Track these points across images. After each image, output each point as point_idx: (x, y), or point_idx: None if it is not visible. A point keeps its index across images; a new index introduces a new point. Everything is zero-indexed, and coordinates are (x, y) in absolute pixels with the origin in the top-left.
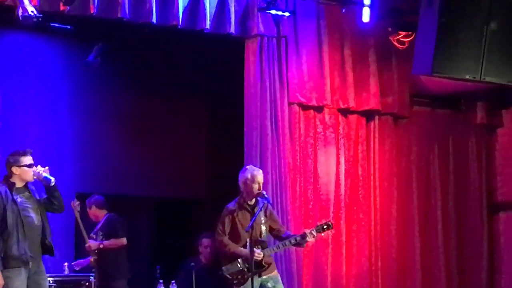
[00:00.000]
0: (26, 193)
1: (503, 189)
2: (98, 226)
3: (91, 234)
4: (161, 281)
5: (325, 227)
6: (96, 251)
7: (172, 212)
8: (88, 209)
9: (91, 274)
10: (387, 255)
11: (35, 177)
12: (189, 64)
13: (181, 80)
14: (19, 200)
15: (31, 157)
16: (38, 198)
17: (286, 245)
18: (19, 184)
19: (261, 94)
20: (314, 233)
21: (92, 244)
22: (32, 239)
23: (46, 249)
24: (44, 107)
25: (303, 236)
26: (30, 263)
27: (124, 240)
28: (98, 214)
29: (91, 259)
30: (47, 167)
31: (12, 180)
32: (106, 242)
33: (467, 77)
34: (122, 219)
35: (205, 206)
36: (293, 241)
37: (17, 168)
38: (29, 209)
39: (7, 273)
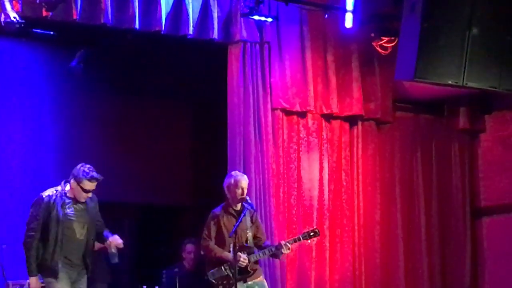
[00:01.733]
0: (79, 206)
1: (486, 194)
2: None
3: None
4: (144, 286)
5: (311, 234)
6: None
7: (156, 218)
8: None
9: None
10: (370, 260)
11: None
12: (173, 69)
13: (164, 86)
14: (67, 210)
15: (94, 184)
16: (91, 216)
17: (265, 254)
18: (82, 200)
19: (244, 99)
20: (289, 245)
21: None
22: (71, 251)
23: (86, 264)
24: (27, 113)
25: (278, 247)
26: (60, 273)
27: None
28: None
29: None
30: (121, 242)
31: (67, 188)
32: None
33: (450, 82)
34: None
35: (188, 212)
36: (267, 252)
37: (74, 183)
38: (74, 222)
39: (47, 279)
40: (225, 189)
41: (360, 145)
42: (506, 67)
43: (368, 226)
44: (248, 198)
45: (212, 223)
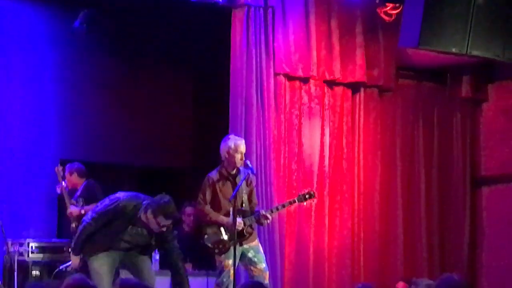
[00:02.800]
0: (143, 231)
1: (487, 163)
2: (78, 193)
3: (72, 200)
4: None
5: (307, 196)
6: (77, 217)
7: (156, 180)
8: (68, 175)
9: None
10: (369, 227)
11: None
12: (175, 33)
13: (167, 49)
14: (133, 231)
15: (169, 221)
16: (151, 243)
17: (252, 220)
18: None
19: (247, 64)
20: (268, 216)
21: (73, 210)
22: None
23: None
24: (29, 73)
25: (257, 216)
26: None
27: None
28: (78, 182)
29: (72, 225)
30: None
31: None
32: (87, 207)
33: (453, 50)
34: (100, 185)
35: (188, 175)
36: (253, 218)
37: (145, 215)
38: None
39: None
40: (223, 153)
41: (362, 112)
42: (510, 36)
43: (368, 193)
44: (248, 162)
45: (207, 187)
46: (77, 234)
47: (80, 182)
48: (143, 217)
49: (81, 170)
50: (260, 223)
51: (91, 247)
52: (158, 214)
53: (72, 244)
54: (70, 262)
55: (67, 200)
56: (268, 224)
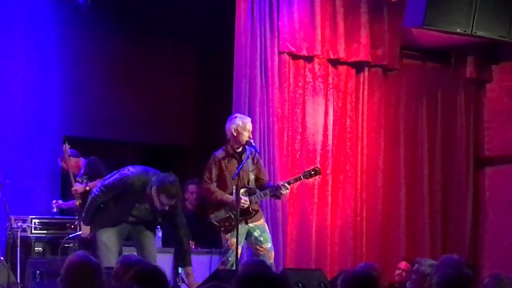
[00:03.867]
0: (147, 206)
1: (490, 144)
2: (81, 171)
3: (77, 179)
4: None
5: (312, 173)
6: (80, 195)
7: (158, 158)
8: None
9: (75, 217)
10: (372, 206)
11: None
12: (179, 9)
13: (171, 26)
14: (141, 206)
15: (171, 201)
16: (157, 218)
17: (266, 194)
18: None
19: (252, 42)
20: (287, 185)
21: (78, 187)
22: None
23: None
24: (32, 49)
25: (277, 187)
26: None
27: None
28: (78, 162)
29: (76, 202)
30: None
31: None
32: (91, 183)
33: (458, 30)
34: (102, 161)
35: (191, 153)
36: (268, 192)
37: (150, 192)
38: (139, 215)
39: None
40: (231, 131)
41: (366, 92)
42: None
43: (371, 173)
44: (252, 140)
45: (213, 165)
46: (86, 205)
47: (79, 161)
48: (149, 193)
49: (73, 153)
50: (276, 196)
51: (100, 221)
52: (161, 192)
53: (83, 215)
54: (80, 232)
55: (72, 178)
56: (286, 194)
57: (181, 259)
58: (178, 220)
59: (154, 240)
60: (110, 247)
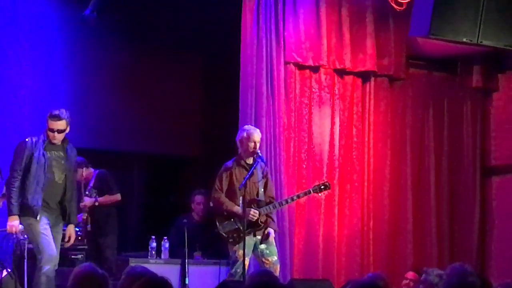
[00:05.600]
0: (60, 153)
1: (497, 153)
2: (90, 184)
3: (86, 192)
4: (153, 237)
5: (322, 187)
6: (88, 209)
7: (165, 168)
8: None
9: (80, 228)
10: (379, 216)
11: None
12: (186, 20)
13: (177, 37)
14: (47, 155)
15: (58, 123)
16: (70, 165)
17: (275, 207)
18: (54, 141)
19: (257, 52)
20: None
21: (86, 201)
22: (49, 194)
23: (63, 211)
24: (39, 60)
25: (285, 203)
26: (39, 215)
27: (118, 196)
28: (88, 173)
29: (83, 216)
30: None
31: (47, 134)
32: (101, 199)
33: (464, 40)
34: (112, 175)
35: (198, 163)
36: (278, 205)
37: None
38: (54, 167)
39: (28, 220)
40: (238, 142)
41: (372, 101)
42: None
43: (378, 182)
44: (259, 151)
45: (224, 175)
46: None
47: (90, 172)
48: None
49: (84, 162)
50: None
51: (26, 208)
52: (47, 120)
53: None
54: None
55: (82, 192)
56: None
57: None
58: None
59: None
60: None
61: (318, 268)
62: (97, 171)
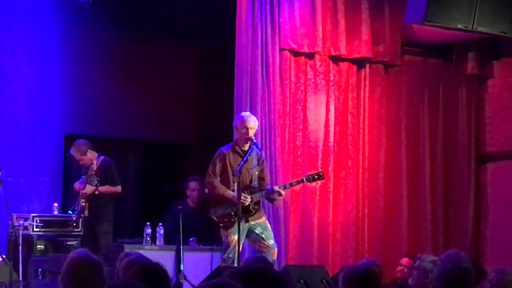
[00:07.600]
0: None
1: (492, 140)
2: (93, 171)
3: (84, 177)
4: (148, 223)
5: (316, 177)
6: (87, 197)
7: (160, 155)
8: (82, 155)
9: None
10: (374, 203)
11: None
12: (182, 7)
13: (173, 24)
14: None
15: None
16: None
17: (262, 196)
18: None
19: (253, 39)
20: (282, 191)
21: (87, 189)
22: None
23: None
24: (34, 47)
25: (271, 191)
26: None
27: (119, 188)
28: (94, 157)
29: (82, 203)
30: None
31: None
32: (101, 188)
33: (459, 26)
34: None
35: (193, 150)
36: (264, 194)
37: None
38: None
39: None
40: (234, 128)
41: (367, 88)
42: None
43: (373, 169)
44: (253, 137)
45: (218, 160)
46: None
47: (95, 156)
48: None
49: (91, 145)
50: (270, 200)
51: None
52: None
53: None
54: None
55: (84, 181)
56: (282, 199)
57: None
58: None
59: None
60: None
61: (313, 255)
62: (102, 157)
